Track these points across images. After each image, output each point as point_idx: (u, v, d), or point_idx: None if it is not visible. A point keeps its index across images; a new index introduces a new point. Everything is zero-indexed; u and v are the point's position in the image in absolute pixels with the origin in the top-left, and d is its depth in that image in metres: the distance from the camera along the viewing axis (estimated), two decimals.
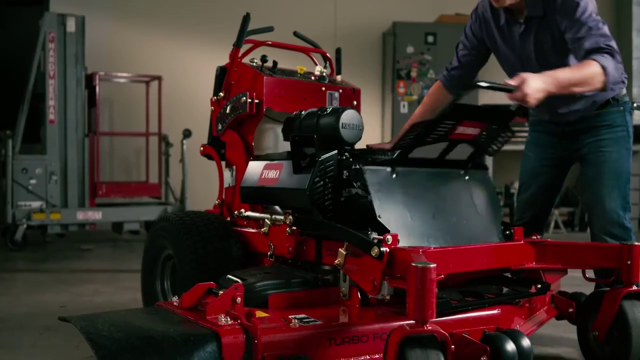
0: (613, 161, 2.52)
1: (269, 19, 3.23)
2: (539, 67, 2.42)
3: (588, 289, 2.40)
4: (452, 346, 1.92)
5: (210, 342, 1.64)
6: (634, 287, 2.19)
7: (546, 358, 2.03)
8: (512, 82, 2.12)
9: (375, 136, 7.51)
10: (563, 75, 2.19)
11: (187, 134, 6.24)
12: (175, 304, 1.94)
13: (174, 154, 6.60)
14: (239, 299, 1.77)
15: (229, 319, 1.72)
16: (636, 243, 2.20)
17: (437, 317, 1.94)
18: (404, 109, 7.13)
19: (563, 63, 2.42)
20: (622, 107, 2.59)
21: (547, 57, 2.48)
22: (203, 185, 5.57)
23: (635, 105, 2.73)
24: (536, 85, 2.10)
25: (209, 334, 1.66)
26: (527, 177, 2.83)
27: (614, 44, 2.28)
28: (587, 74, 2.19)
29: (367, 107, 7.38)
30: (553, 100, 2.40)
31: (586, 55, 2.26)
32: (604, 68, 2.20)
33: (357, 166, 2.34)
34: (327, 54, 3.10)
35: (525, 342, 1.91)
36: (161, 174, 6.66)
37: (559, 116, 2.64)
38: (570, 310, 2.39)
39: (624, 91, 2.62)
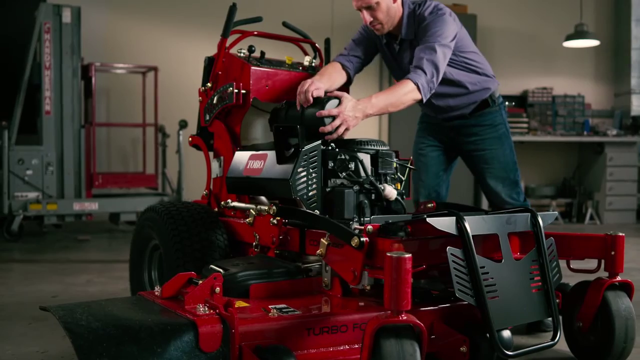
0: (500, 156, 2.90)
1: (266, 8, 3.23)
2: None
3: (574, 279, 2.40)
4: (432, 336, 1.94)
5: (187, 331, 1.64)
6: (618, 278, 2.20)
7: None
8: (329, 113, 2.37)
9: (373, 127, 7.51)
10: (378, 99, 2.46)
11: (183, 124, 6.24)
12: (156, 293, 1.95)
13: (171, 144, 6.60)
14: (217, 289, 1.77)
15: (207, 309, 1.72)
16: (620, 234, 2.21)
17: (422, 307, 1.98)
18: None
19: None
20: (498, 107, 2.92)
21: None
22: (200, 176, 5.56)
23: (507, 103, 3.08)
24: (352, 112, 2.39)
25: (186, 323, 1.66)
26: (415, 158, 3.07)
27: (435, 58, 2.54)
28: (401, 94, 2.49)
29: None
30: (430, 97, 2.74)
31: (410, 69, 2.58)
32: (417, 85, 2.49)
33: (343, 156, 2.35)
34: (316, 44, 3.09)
35: (506, 332, 1.91)
36: (158, 164, 6.67)
37: (439, 111, 2.92)
38: (557, 301, 2.39)
39: (498, 92, 2.95)
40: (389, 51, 2.87)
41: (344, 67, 2.80)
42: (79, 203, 5.84)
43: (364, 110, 2.41)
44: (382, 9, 2.65)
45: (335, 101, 2.41)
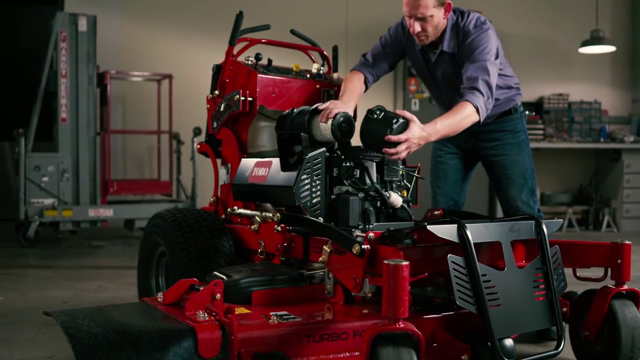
0: (519, 162, 2.88)
1: (279, 16, 3.25)
2: (446, 85, 2.81)
3: (583, 287, 2.37)
4: (434, 344, 1.94)
5: (186, 337, 1.65)
6: (625, 287, 2.18)
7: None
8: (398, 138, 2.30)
9: None
10: (442, 125, 2.44)
11: (197, 132, 6.28)
12: (159, 300, 1.96)
13: (185, 151, 6.65)
14: (218, 295, 1.78)
15: (206, 315, 1.73)
16: (627, 242, 2.19)
17: (424, 315, 1.98)
18: (415, 106, 7.09)
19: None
20: (519, 115, 2.93)
21: (453, 81, 2.75)
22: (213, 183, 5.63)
23: (527, 112, 3.06)
24: (418, 139, 2.34)
25: (185, 329, 1.67)
26: (433, 165, 3.07)
27: (489, 78, 2.53)
28: (462, 118, 2.48)
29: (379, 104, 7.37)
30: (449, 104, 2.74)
31: (463, 90, 2.55)
32: (476, 108, 2.48)
33: (348, 163, 2.35)
34: (324, 52, 3.10)
35: (508, 341, 1.90)
36: (172, 171, 6.71)
37: None
38: (564, 309, 2.37)
39: (520, 100, 2.95)
40: (424, 59, 2.82)
41: (365, 80, 2.80)
42: (94, 209, 5.89)
43: (428, 138, 2.38)
44: (433, 23, 2.61)
45: (405, 123, 2.37)
